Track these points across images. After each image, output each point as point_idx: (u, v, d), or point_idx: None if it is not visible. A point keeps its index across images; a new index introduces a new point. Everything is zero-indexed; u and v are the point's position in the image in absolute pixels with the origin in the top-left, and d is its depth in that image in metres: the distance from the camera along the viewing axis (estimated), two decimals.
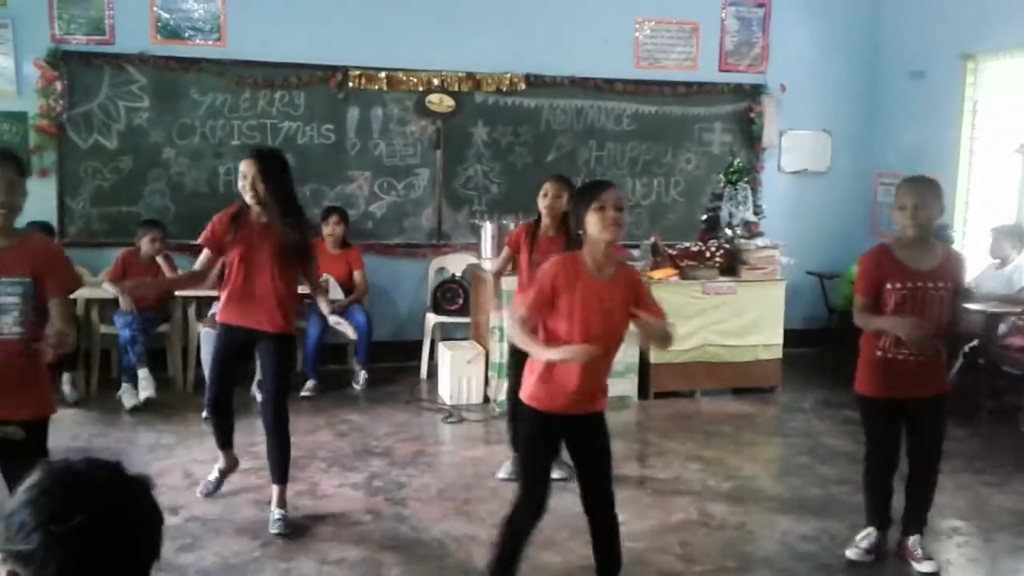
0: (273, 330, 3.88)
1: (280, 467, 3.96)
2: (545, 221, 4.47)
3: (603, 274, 2.91)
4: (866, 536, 3.70)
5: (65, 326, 2.85)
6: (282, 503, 3.95)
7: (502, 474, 4.56)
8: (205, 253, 3.91)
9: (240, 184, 3.82)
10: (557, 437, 3.04)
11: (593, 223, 2.86)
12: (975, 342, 5.80)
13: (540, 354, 2.86)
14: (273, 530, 3.85)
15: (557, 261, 2.96)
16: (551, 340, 2.89)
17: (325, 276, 6.16)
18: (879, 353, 3.48)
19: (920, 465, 3.62)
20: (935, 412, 3.56)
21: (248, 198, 3.79)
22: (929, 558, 3.63)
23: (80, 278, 3.46)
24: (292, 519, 3.93)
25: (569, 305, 2.86)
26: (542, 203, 4.44)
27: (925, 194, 3.40)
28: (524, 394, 3.00)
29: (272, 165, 3.82)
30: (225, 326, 3.98)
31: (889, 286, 3.40)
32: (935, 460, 3.61)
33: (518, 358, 4.28)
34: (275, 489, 3.96)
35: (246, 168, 3.78)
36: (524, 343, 2.94)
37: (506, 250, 4.65)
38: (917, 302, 3.38)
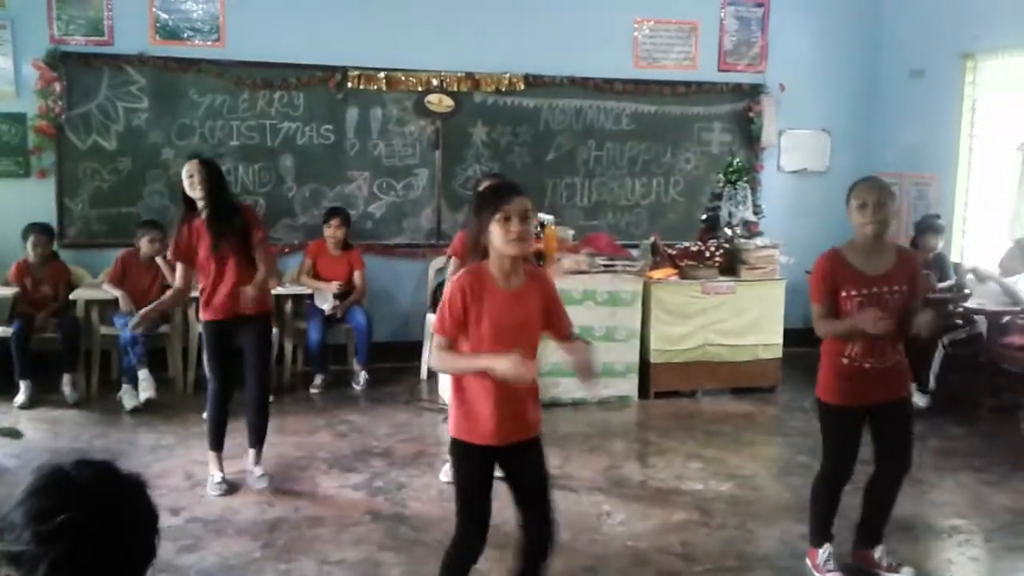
0: (253, 311, 4.26)
1: (261, 434, 4.46)
2: None
3: (512, 283, 2.69)
4: (828, 556, 3.53)
5: None
6: (259, 460, 4.45)
7: (443, 477, 4.50)
8: (181, 267, 4.29)
9: (187, 182, 4.22)
10: (489, 467, 2.78)
11: (496, 236, 2.61)
12: (960, 334, 5.81)
13: (473, 364, 2.64)
14: (259, 486, 4.33)
15: (462, 276, 2.72)
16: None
17: (334, 284, 6.15)
18: (845, 361, 3.35)
19: (889, 470, 3.49)
20: (901, 416, 3.46)
21: (197, 193, 4.20)
22: (901, 564, 3.55)
23: None
24: (269, 473, 4.44)
25: (478, 321, 2.65)
26: None
27: (884, 192, 3.37)
28: (449, 427, 2.80)
29: (212, 166, 4.32)
30: (212, 323, 4.28)
31: (844, 294, 3.31)
32: (906, 465, 3.49)
33: None
34: (253, 452, 4.45)
35: (192, 168, 4.23)
36: (453, 365, 2.71)
37: (454, 261, 4.47)
38: (873, 308, 3.26)
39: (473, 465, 2.77)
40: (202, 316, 4.32)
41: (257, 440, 4.45)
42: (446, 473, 4.52)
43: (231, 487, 4.33)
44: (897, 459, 3.48)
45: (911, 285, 3.38)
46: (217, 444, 4.38)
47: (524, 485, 2.82)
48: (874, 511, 3.58)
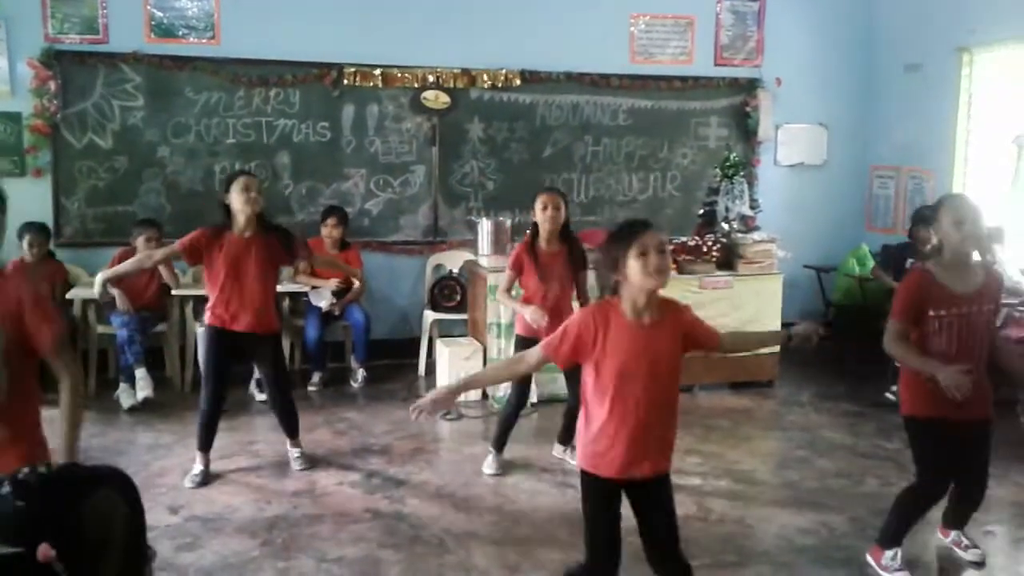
0: (266, 331, 4.39)
1: (294, 428, 4.65)
2: (545, 234, 4.46)
3: (644, 319, 2.66)
4: (896, 555, 3.50)
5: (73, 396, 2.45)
6: (298, 444, 4.66)
7: (488, 469, 4.59)
8: (171, 251, 4.31)
9: (243, 197, 4.20)
10: (617, 500, 2.76)
11: (635, 270, 2.60)
12: None
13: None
14: (296, 467, 4.56)
15: (587, 311, 2.72)
16: (587, 396, 2.71)
17: (332, 282, 6.16)
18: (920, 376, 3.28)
19: (969, 486, 3.53)
20: (984, 434, 3.45)
21: (250, 208, 4.22)
22: (976, 546, 3.65)
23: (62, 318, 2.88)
24: (309, 454, 4.68)
25: (600, 354, 2.64)
26: (542, 216, 4.41)
27: (978, 208, 3.30)
28: (579, 458, 2.79)
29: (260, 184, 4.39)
30: (217, 330, 4.32)
31: (932, 312, 3.21)
32: (985, 482, 3.52)
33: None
34: (290, 441, 4.65)
35: (250, 182, 4.25)
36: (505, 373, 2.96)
37: (509, 272, 4.52)
38: (962, 328, 3.24)
39: (601, 498, 2.75)
40: (210, 320, 4.34)
41: (292, 433, 4.65)
42: (489, 465, 4.61)
43: (205, 480, 4.38)
44: (976, 479, 3.49)
45: (996, 304, 3.36)
46: (208, 445, 4.44)
47: (648, 518, 2.79)
48: (961, 506, 3.63)
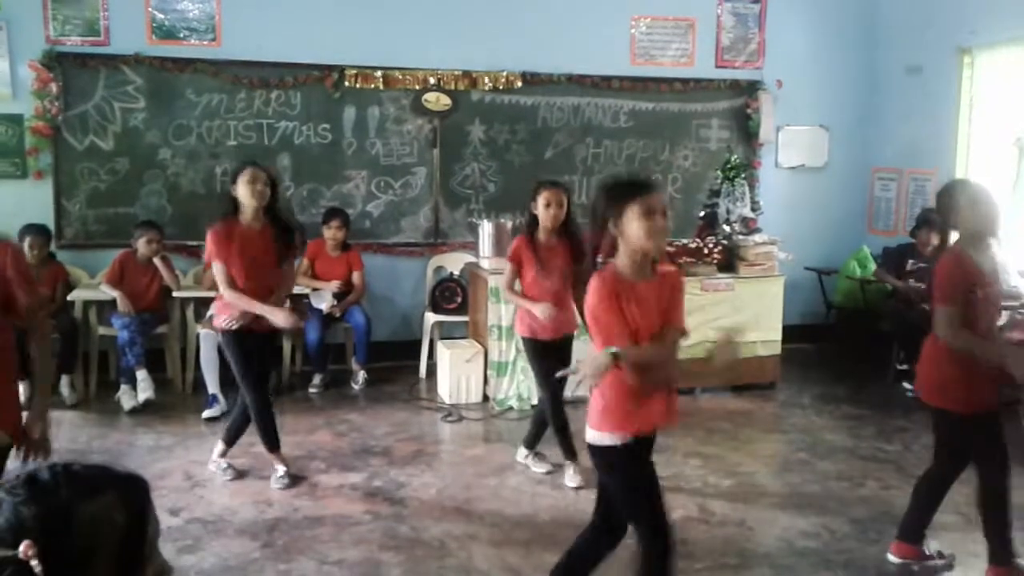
0: (273, 330, 4.32)
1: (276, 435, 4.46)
2: (545, 229, 4.39)
3: (644, 275, 2.67)
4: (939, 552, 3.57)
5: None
6: (284, 462, 4.45)
7: (572, 483, 4.43)
8: (220, 268, 4.13)
9: (249, 190, 4.12)
10: (648, 456, 2.76)
11: (637, 231, 2.56)
12: None
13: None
14: (277, 486, 4.32)
15: (598, 284, 2.63)
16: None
17: (333, 284, 6.16)
18: (976, 368, 3.17)
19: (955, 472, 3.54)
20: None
21: (256, 202, 4.12)
22: (943, 555, 3.66)
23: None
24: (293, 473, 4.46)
25: (629, 318, 2.61)
26: (544, 214, 4.32)
27: (990, 191, 3.33)
28: (609, 430, 2.69)
29: (272, 176, 4.25)
30: (242, 334, 4.20)
31: (980, 292, 3.17)
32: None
33: (541, 356, 4.40)
34: (275, 456, 4.44)
35: (258, 174, 4.14)
36: (643, 359, 2.64)
37: (510, 267, 4.46)
38: (993, 305, 3.24)
39: (636, 458, 2.70)
40: (230, 325, 4.19)
41: (277, 443, 4.48)
42: (571, 478, 4.44)
43: (294, 479, 4.40)
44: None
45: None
46: (275, 443, 4.43)
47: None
48: (933, 508, 3.62)
